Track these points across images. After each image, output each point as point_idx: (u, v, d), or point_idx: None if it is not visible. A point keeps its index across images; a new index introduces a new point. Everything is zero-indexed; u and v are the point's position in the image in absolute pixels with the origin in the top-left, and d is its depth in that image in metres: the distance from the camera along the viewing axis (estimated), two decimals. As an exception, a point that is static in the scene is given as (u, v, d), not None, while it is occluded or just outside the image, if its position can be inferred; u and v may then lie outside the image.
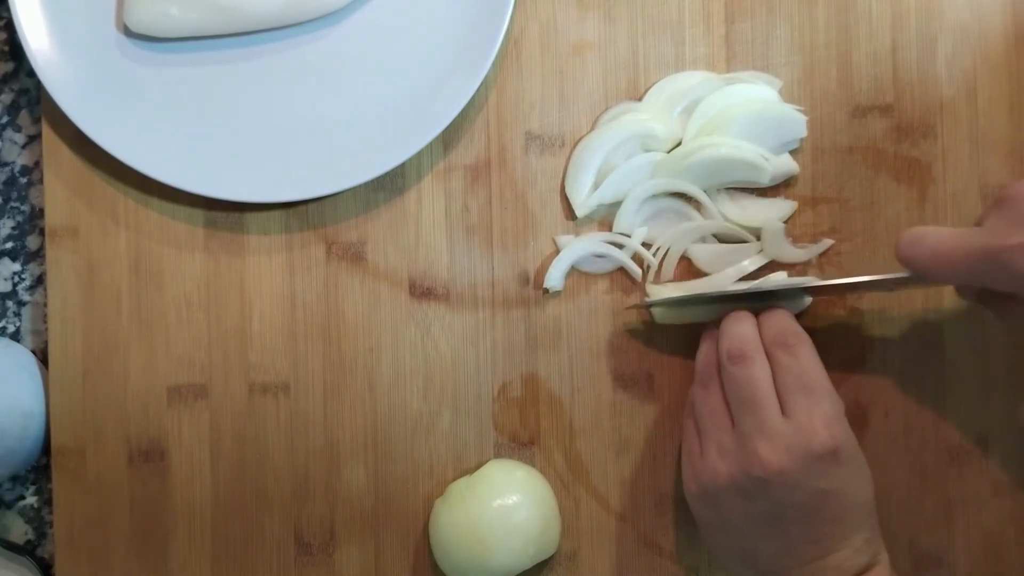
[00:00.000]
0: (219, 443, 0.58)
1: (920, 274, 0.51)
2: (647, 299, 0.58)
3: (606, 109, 0.59)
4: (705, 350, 0.55)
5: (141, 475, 0.58)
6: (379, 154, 0.57)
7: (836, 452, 0.51)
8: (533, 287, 0.59)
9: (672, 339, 0.59)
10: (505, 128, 0.59)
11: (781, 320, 0.54)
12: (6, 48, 0.61)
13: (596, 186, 0.58)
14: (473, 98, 0.57)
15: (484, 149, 0.59)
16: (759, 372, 0.52)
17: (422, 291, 0.59)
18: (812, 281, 0.57)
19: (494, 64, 0.57)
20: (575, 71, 0.60)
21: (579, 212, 0.58)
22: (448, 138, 0.59)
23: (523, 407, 0.59)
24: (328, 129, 0.58)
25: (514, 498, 0.55)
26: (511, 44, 0.59)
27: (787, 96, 0.59)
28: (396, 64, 0.58)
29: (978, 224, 0.51)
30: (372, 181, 0.58)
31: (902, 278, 0.53)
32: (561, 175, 0.59)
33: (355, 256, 0.59)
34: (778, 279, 0.58)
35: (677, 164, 0.57)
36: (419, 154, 0.57)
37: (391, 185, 0.59)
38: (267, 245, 0.59)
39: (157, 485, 0.58)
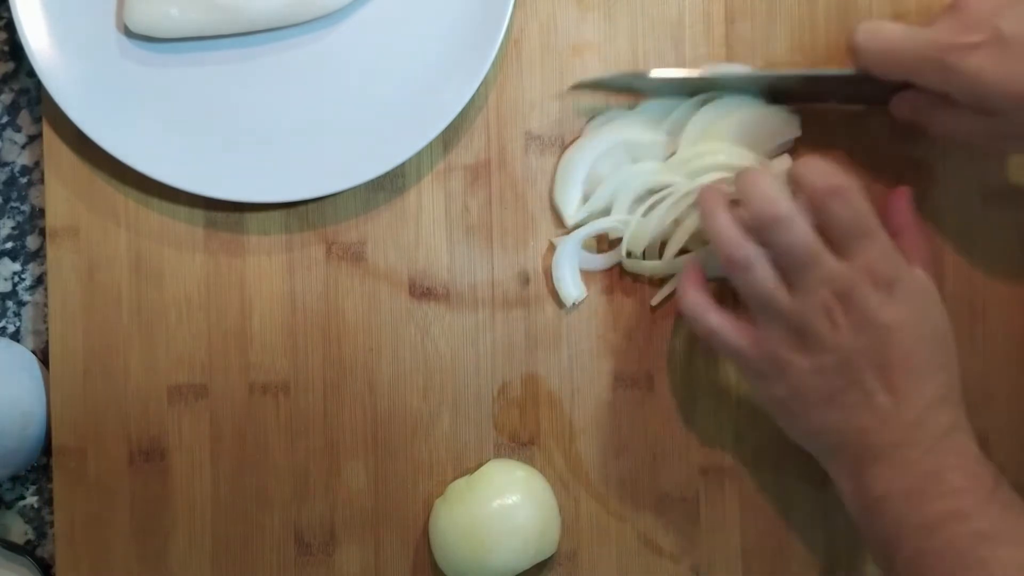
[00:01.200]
0: (219, 443, 0.58)
1: (868, 67, 0.53)
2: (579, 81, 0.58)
3: (592, 117, 0.59)
4: (723, 226, 0.52)
5: (141, 475, 0.58)
6: (379, 154, 0.57)
7: (893, 283, 0.50)
8: (534, 288, 0.59)
9: (673, 339, 0.59)
10: (505, 128, 0.59)
11: (820, 166, 0.52)
12: (6, 48, 0.61)
13: (585, 196, 0.58)
14: (473, 98, 0.57)
15: (484, 149, 0.59)
16: (802, 230, 0.50)
17: (422, 291, 0.59)
18: (748, 70, 0.57)
19: (494, 64, 0.57)
20: (575, 71, 0.60)
21: (569, 222, 0.58)
22: (448, 138, 0.59)
23: (523, 407, 0.59)
24: (328, 129, 0.58)
25: (514, 498, 0.55)
26: (511, 44, 0.59)
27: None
28: (396, 64, 0.58)
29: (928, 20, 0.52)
30: (372, 181, 0.58)
31: (850, 75, 0.54)
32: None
33: (355, 256, 0.59)
34: (728, 67, 0.58)
35: (675, 172, 0.57)
36: (419, 154, 0.57)
37: (391, 185, 0.59)
38: (267, 245, 0.59)
39: (157, 485, 0.58)
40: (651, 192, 0.58)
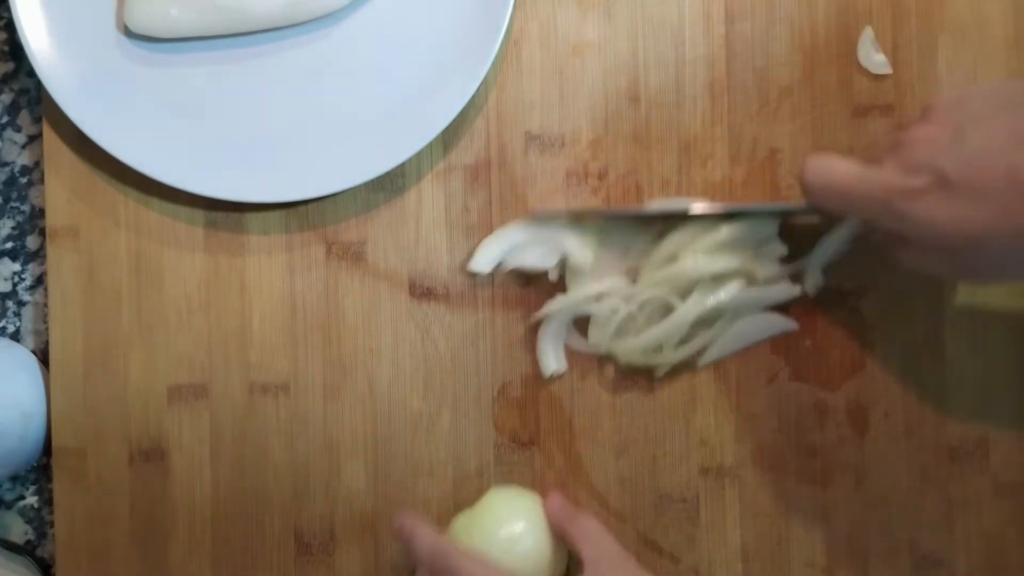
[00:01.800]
0: (219, 443, 0.58)
1: (818, 206, 0.53)
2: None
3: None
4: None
5: (141, 475, 0.58)
6: (379, 154, 0.57)
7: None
8: (534, 288, 0.59)
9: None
10: (505, 128, 0.59)
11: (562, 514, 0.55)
12: (6, 48, 0.61)
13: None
14: (473, 98, 0.57)
15: (484, 149, 0.59)
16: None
17: (422, 291, 0.59)
18: (698, 206, 0.57)
19: (494, 64, 0.57)
20: (575, 71, 0.60)
21: (547, 373, 0.59)
22: (448, 138, 0.59)
23: (523, 407, 0.59)
24: (328, 129, 0.58)
25: (519, 525, 0.55)
26: (511, 44, 0.59)
27: (786, 96, 0.59)
28: (396, 64, 0.58)
29: (874, 155, 0.52)
30: (372, 181, 0.58)
31: (800, 208, 0.54)
32: (562, 176, 0.59)
33: (355, 256, 0.59)
34: (677, 202, 0.58)
35: (661, 286, 0.57)
36: (419, 154, 0.57)
37: (391, 185, 0.59)
38: (267, 245, 0.59)
39: (157, 485, 0.58)
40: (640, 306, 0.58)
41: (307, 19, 0.58)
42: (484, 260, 0.58)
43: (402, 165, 0.57)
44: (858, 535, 0.59)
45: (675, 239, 0.57)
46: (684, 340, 0.58)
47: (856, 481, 0.59)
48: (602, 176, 0.59)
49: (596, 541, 0.54)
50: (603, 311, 0.57)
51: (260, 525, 0.58)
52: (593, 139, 0.59)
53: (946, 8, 0.60)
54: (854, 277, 0.59)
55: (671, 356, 0.58)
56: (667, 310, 0.57)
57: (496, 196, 0.59)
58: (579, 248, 0.57)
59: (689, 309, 0.57)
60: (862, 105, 0.60)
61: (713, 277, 0.56)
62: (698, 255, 0.56)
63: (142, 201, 0.59)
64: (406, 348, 0.59)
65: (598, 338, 0.58)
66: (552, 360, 0.58)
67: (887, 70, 0.59)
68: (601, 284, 0.58)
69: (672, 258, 0.57)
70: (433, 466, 0.59)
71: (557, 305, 0.57)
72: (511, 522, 0.55)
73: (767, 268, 0.57)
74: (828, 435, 0.59)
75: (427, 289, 0.59)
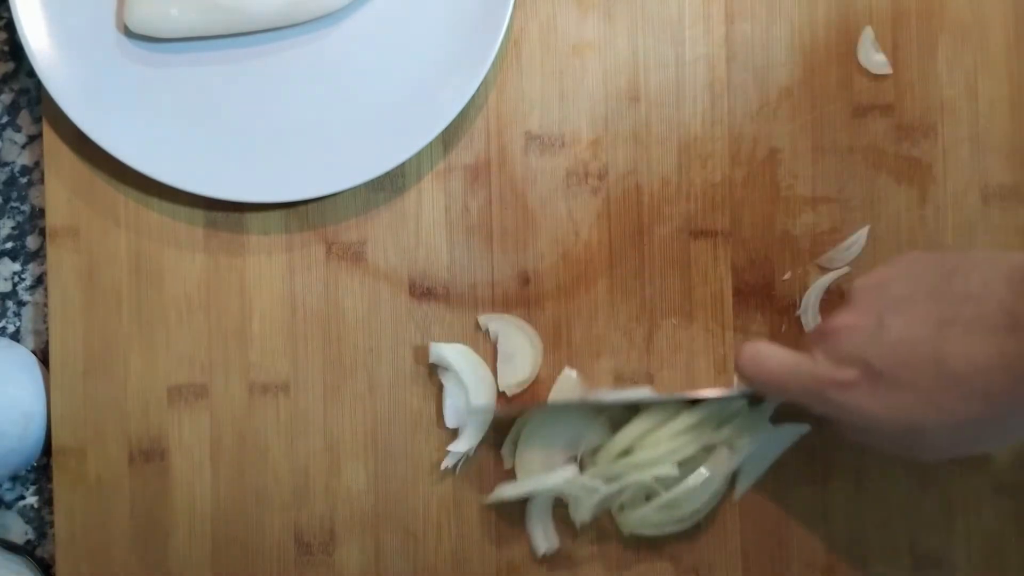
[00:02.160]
0: (219, 443, 0.58)
1: (756, 390, 0.54)
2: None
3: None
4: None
5: (141, 475, 0.58)
6: (379, 154, 0.57)
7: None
8: (534, 288, 0.59)
9: (672, 340, 0.59)
10: (505, 128, 0.59)
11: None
12: (6, 48, 0.61)
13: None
14: (473, 98, 0.57)
15: (484, 149, 0.59)
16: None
17: (422, 291, 0.59)
18: (653, 395, 0.57)
19: (494, 64, 0.57)
20: (575, 71, 0.60)
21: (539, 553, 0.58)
22: (448, 138, 0.59)
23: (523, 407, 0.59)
24: (328, 129, 0.58)
25: None
26: (511, 44, 0.59)
27: (786, 96, 0.60)
28: (396, 64, 0.58)
29: (808, 340, 0.52)
30: (372, 181, 0.58)
31: (741, 393, 0.56)
32: (562, 176, 0.59)
33: (355, 256, 0.59)
34: (626, 393, 0.58)
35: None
36: (419, 154, 0.57)
37: (391, 185, 0.59)
38: (267, 245, 0.59)
39: (157, 485, 0.58)
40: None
41: (307, 19, 0.58)
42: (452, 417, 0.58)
43: (402, 165, 0.57)
44: (858, 535, 0.59)
45: (631, 431, 0.57)
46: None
47: (856, 481, 0.59)
48: (602, 176, 0.59)
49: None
50: (578, 491, 0.57)
51: (260, 525, 0.58)
52: (593, 139, 0.60)
53: (946, 8, 0.60)
54: (854, 278, 0.59)
55: (687, 520, 0.58)
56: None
57: (496, 196, 0.59)
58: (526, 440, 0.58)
59: (690, 484, 0.56)
60: (862, 105, 0.60)
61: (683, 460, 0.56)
62: (660, 445, 0.56)
63: (142, 201, 0.59)
64: (406, 348, 0.59)
65: (580, 516, 0.57)
66: (542, 541, 0.58)
67: (887, 70, 0.59)
68: (552, 476, 0.57)
69: (627, 451, 0.57)
70: (433, 466, 0.59)
71: (507, 492, 0.57)
72: None
73: (754, 428, 0.57)
74: (828, 435, 0.59)
75: (427, 289, 0.59)
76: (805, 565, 0.59)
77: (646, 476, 0.56)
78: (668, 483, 0.56)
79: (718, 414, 0.57)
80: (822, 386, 0.49)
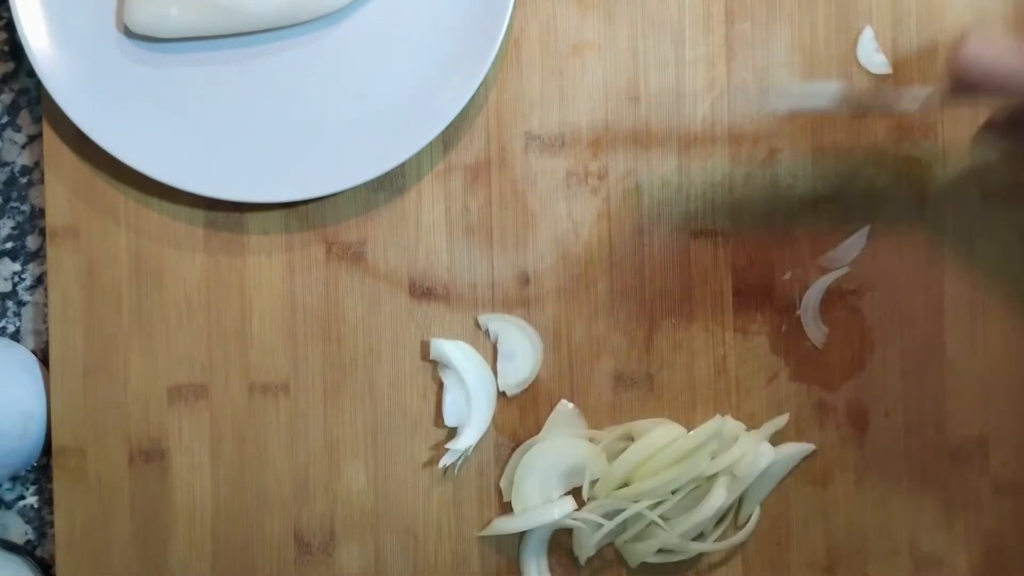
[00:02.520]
0: (219, 443, 0.58)
1: (970, 86, 0.49)
2: None
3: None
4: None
5: (141, 475, 0.58)
6: (379, 154, 0.57)
7: None
8: (534, 288, 0.59)
9: (672, 340, 0.59)
10: (505, 128, 0.59)
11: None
12: (6, 48, 0.61)
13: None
14: (473, 98, 0.57)
15: (484, 149, 0.59)
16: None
17: (422, 291, 0.59)
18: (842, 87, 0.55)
19: (494, 64, 0.57)
20: (575, 71, 0.60)
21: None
22: (448, 138, 0.59)
23: (523, 407, 0.59)
24: (328, 129, 0.58)
25: None
26: (511, 44, 0.59)
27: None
28: (396, 64, 0.58)
29: None
30: (372, 181, 0.58)
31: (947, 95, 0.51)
32: (562, 176, 0.59)
33: (355, 256, 0.59)
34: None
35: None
36: (419, 154, 0.57)
37: (391, 185, 0.59)
38: (267, 245, 0.59)
39: (157, 485, 0.58)
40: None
41: (307, 19, 0.58)
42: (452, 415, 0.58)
43: (402, 165, 0.57)
44: (858, 535, 0.59)
45: (627, 458, 0.57)
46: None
47: (856, 481, 0.59)
48: (602, 176, 0.60)
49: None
50: (580, 526, 0.57)
51: (260, 525, 0.58)
52: (593, 139, 0.60)
53: (946, 8, 0.60)
54: (854, 278, 0.59)
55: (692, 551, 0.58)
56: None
57: (496, 196, 0.59)
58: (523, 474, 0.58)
59: (706, 512, 0.57)
60: (862, 105, 0.60)
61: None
62: (656, 475, 0.56)
63: (142, 201, 0.59)
64: (406, 348, 0.59)
65: (585, 552, 0.58)
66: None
67: (887, 70, 0.59)
68: (548, 509, 0.57)
69: (625, 483, 0.57)
70: (433, 466, 0.59)
71: (503, 527, 0.57)
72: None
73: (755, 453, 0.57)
74: (828, 435, 0.59)
75: (427, 289, 0.59)
76: (805, 565, 0.59)
77: (644, 508, 0.56)
78: (671, 514, 0.57)
79: (716, 439, 0.57)
80: None
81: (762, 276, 0.59)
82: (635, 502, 0.56)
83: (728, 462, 0.56)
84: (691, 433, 0.57)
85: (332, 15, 0.58)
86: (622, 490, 0.57)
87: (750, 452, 0.57)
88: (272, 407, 0.59)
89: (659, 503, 0.57)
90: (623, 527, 0.57)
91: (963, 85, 0.49)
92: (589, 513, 0.57)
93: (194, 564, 0.58)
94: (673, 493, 0.57)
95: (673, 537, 0.57)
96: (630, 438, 0.58)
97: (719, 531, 0.58)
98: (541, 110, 0.59)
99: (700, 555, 0.59)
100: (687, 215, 0.59)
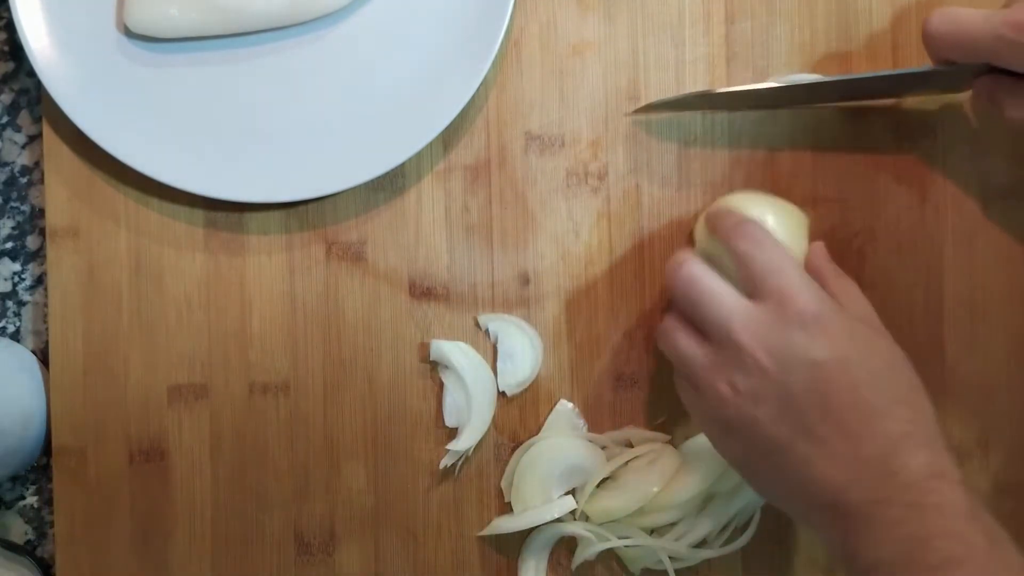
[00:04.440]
0: (219, 443, 0.58)
1: (943, 53, 0.52)
2: None
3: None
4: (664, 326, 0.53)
5: (141, 475, 0.58)
6: (379, 154, 0.57)
7: (817, 316, 0.47)
8: (534, 288, 0.59)
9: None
10: (505, 128, 0.59)
11: (727, 211, 0.52)
12: (6, 48, 0.61)
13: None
14: (473, 98, 0.57)
15: (484, 149, 0.59)
16: (697, 267, 0.50)
17: (422, 291, 0.59)
18: (824, 77, 0.56)
19: (494, 64, 0.57)
20: (575, 71, 0.60)
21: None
22: (448, 138, 0.59)
23: (523, 407, 0.59)
24: (328, 129, 0.58)
25: (768, 220, 0.52)
26: (511, 44, 0.59)
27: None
28: (396, 64, 0.58)
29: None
30: (372, 181, 0.58)
31: (925, 71, 0.54)
32: (562, 176, 0.59)
33: (355, 256, 0.59)
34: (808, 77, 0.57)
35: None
36: (419, 154, 0.57)
37: (391, 185, 0.59)
38: (267, 245, 0.59)
39: (157, 485, 0.58)
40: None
41: (307, 19, 0.58)
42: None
43: (402, 165, 0.57)
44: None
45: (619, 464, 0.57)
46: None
47: (856, 481, 0.59)
48: (602, 176, 0.60)
49: (857, 302, 0.51)
50: (586, 534, 0.57)
51: (260, 525, 0.58)
52: (593, 139, 0.60)
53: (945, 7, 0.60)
54: (854, 277, 0.59)
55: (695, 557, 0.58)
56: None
57: (496, 196, 0.59)
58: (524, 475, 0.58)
59: (710, 523, 0.57)
60: (862, 105, 0.60)
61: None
62: (668, 511, 0.57)
63: (142, 201, 0.59)
64: (406, 348, 0.59)
65: (586, 556, 0.58)
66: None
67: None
68: (548, 508, 0.57)
69: (621, 486, 0.57)
70: (433, 466, 0.59)
71: (504, 526, 0.57)
72: (760, 215, 0.52)
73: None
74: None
75: (427, 289, 0.59)
76: (805, 565, 0.59)
77: (649, 538, 0.57)
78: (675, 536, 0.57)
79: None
80: (1017, 28, 0.48)
81: (762, 276, 0.59)
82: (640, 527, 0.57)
83: (736, 480, 0.56)
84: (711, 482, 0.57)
85: (332, 15, 0.58)
86: (630, 517, 0.57)
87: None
88: (272, 407, 0.59)
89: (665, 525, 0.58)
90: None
91: (938, 49, 0.52)
92: (600, 528, 0.57)
93: (194, 564, 0.58)
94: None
95: (680, 548, 0.57)
96: (629, 444, 0.59)
97: (723, 537, 0.58)
98: (541, 110, 0.59)
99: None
100: (687, 215, 0.59)
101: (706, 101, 0.58)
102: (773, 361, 0.47)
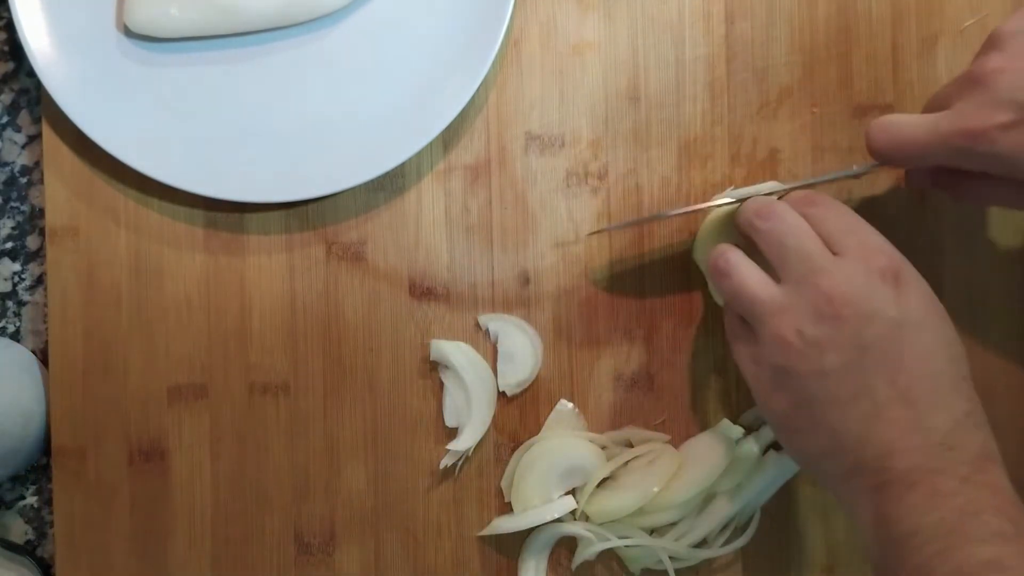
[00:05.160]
0: (219, 443, 0.58)
1: (889, 161, 0.51)
2: None
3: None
4: (716, 254, 0.51)
5: (141, 475, 0.58)
6: (379, 154, 0.57)
7: (898, 274, 0.47)
8: (534, 288, 0.59)
9: (672, 340, 0.59)
10: (505, 128, 0.59)
11: (799, 193, 0.51)
12: (6, 48, 0.61)
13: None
14: (473, 98, 0.57)
15: (484, 149, 0.59)
16: (793, 219, 0.48)
17: (422, 291, 0.59)
18: (781, 186, 0.55)
19: (494, 64, 0.57)
20: (575, 71, 0.60)
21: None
22: (448, 138, 0.59)
23: (523, 407, 0.59)
24: (328, 129, 0.58)
25: None
26: (511, 44, 0.59)
27: (786, 96, 0.59)
28: (396, 64, 0.58)
29: (937, 102, 0.50)
30: (372, 181, 0.58)
31: (869, 167, 0.53)
32: (562, 176, 0.59)
33: (355, 256, 0.59)
34: (765, 187, 0.56)
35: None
36: (419, 154, 0.57)
37: (391, 185, 0.59)
38: (267, 245, 0.59)
39: (157, 485, 0.58)
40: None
41: (307, 19, 0.58)
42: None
43: (402, 165, 0.57)
44: (858, 535, 0.59)
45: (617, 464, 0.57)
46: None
47: (856, 481, 0.59)
48: (602, 176, 0.60)
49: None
50: (586, 534, 0.57)
51: (260, 525, 0.58)
52: (593, 139, 0.60)
53: (946, 8, 0.60)
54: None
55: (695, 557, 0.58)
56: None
57: (496, 196, 0.59)
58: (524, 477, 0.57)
59: (710, 523, 0.57)
60: (862, 105, 0.60)
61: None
62: (668, 511, 0.57)
63: (142, 201, 0.59)
64: (406, 348, 0.59)
65: (586, 556, 0.58)
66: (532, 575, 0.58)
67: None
68: (548, 508, 0.57)
69: (621, 486, 0.57)
70: (433, 466, 0.59)
71: (504, 526, 0.57)
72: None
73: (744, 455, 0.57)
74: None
75: (427, 289, 0.59)
76: (805, 565, 0.59)
77: (648, 538, 0.57)
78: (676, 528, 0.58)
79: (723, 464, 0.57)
80: (971, 139, 0.47)
81: (762, 276, 0.59)
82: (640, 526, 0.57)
83: (736, 480, 0.56)
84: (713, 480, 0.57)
85: (332, 15, 0.58)
86: (630, 517, 0.57)
87: (757, 472, 0.57)
88: (272, 407, 0.59)
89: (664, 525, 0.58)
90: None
91: (882, 159, 0.51)
92: (600, 528, 0.57)
93: (194, 564, 0.58)
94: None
95: (680, 548, 0.57)
96: (629, 444, 0.59)
97: (723, 537, 0.58)
98: (541, 110, 0.59)
99: (700, 555, 0.59)
100: (687, 215, 0.59)
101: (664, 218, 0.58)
102: (852, 311, 0.46)
